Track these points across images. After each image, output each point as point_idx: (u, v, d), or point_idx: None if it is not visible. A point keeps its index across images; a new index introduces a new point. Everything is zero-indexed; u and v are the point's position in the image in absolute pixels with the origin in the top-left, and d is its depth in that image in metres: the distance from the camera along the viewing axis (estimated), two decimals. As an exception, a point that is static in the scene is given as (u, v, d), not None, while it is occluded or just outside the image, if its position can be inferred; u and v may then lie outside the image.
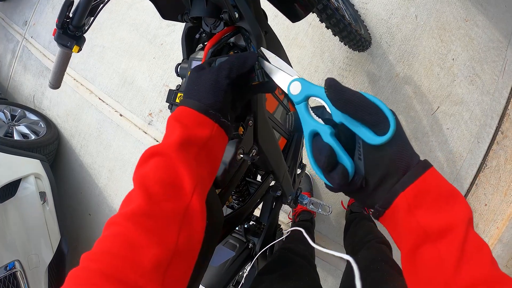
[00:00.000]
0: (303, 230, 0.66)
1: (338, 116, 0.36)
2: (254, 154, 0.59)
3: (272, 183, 0.77)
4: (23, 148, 1.79)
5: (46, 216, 1.63)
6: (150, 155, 0.39)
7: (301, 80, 0.41)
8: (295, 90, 0.41)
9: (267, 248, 0.86)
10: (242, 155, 0.55)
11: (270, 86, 0.48)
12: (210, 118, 0.41)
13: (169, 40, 1.93)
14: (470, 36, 1.37)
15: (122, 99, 2.02)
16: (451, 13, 1.39)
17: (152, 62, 1.95)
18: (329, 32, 1.11)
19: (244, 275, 0.91)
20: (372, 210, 0.38)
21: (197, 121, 0.41)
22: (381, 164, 0.35)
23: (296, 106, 0.41)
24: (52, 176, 1.78)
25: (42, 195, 1.67)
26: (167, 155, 0.38)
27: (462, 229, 0.32)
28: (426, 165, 0.35)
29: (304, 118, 0.39)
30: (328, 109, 0.37)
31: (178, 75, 0.59)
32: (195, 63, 0.55)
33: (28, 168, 1.66)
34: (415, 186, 0.33)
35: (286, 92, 0.42)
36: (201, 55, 0.55)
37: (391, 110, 0.35)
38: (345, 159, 0.36)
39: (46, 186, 1.71)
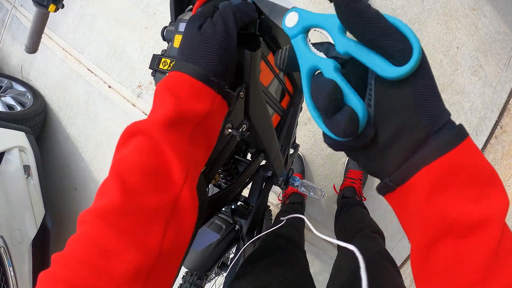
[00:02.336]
0: (305, 218, 0.62)
1: (344, 45, 0.27)
2: (244, 130, 0.54)
3: (263, 162, 0.73)
4: (7, 120, 1.71)
5: (30, 191, 1.57)
6: (131, 133, 0.31)
7: (298, 10, 0.32)
8: (291, 22, 0.32)
9: (255, 231, 0.82)
10: (230, 130, 0.50)
11: (256, 42, 0.41)
12: (212, 87, 0.33)
13: (162, 9, 1.84)
14: (477, 25, 1.33)
15: (111, 70, 1.94)
16: (459, 0, 1.34)
17: (144, 32, 1.87)
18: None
19: (230, 257, 0.89)
20: (381, 183, 0.29)
21: (195, 91, 0.32)
22: (397, 110, 0.26)
23: (291, 40, 0.32)
24: (37, 149, 1.71)
25: (26, 168, 1.62)
26: (151, 135, 0.30)
27: (498, 226, 0.24)
28: (462, 133, 0.25)
29: (302, 53, 0.31)
30: (331, 40, 0.29)
31: (164, 39, 0.54)
32: (182, 25, 0.49)
33: (12, 140, 1.59)
34: (444, 161, 0.24)
35: (282, 27, 0.33)
36: (189, 16, 0.49)
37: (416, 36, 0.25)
38: (353, 99, 0.26)
39: (30, 159, 1.65)
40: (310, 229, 0.56)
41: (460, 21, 1.34)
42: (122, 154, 0.30)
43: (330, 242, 1.48)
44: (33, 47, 0.68)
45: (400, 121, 0.26)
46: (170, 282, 0.30)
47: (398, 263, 1.38)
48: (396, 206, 0.30)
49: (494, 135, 1.33)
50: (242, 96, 0.50)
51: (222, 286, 0.89)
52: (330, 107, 0.26)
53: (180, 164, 0.30)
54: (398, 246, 1.39)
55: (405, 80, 0.25)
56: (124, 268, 0.25)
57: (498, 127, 1.33)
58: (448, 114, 0.26)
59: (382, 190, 0.30)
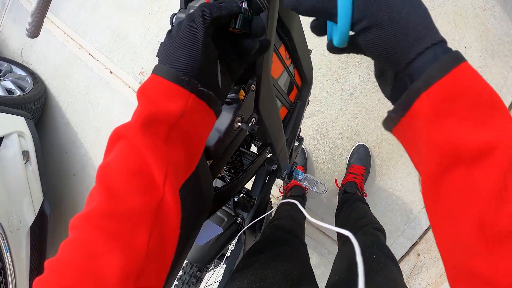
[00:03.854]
0: (297, 203, 0.62)
1: None
2: (253, 124, 0.53)
3: (269, 156, 0.72)
4: (6, 105, 1.68)
5: (28, 176, 1.56)
6: (114, 139, 0.32)
7: None
8: None
9: (255, 223, 0.82)
10: (240, 124, 0.49)
11: (250, 44, 0.38)
12: (184, 86, 0.32)
13: (168, -7, 1.80)
14: (486, 26, 1.31)
15: (113, 55, 1.91)
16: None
17: (148, 17, 1.83)
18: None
19: (230, 250, 0.88)
20: (385, 118, 0.30)
21: (166, 92, 0.32)
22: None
23: None
24: (36, 135, 1.69)
25: (25, 154, 1.60)
26: (130, 138, 0.30)
27: (507, 152, 0.24)
28: (459, 57, 0.26)
29: None
30: None
31: (172, 26, 0.52)
32: None
33: (11, 125, 1.57)
34: (444, 84, 0.25)
35: None
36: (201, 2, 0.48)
37: None
38: None
39: (29, 144, 1.63)
40: (309, 222, 0.56)
41: (469, 21, 1.32)
42: (106, 160, 0.31)
43: (329, 236, 1.48)
44: (34, 31, 0.65)
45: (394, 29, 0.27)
46: (161, 279, 0.31)
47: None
48: (403, 140, 0.31)
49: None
50: (253, 89, 0.49)
51: (221, 276, 0.89)
52: None
53: (157, 165, 0.30)
54: (396, 243, 1.40)
55: None
56: (112, 272, 0.25)
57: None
58: (441, 37, 0.27)
59: (387, 123, 0.31)
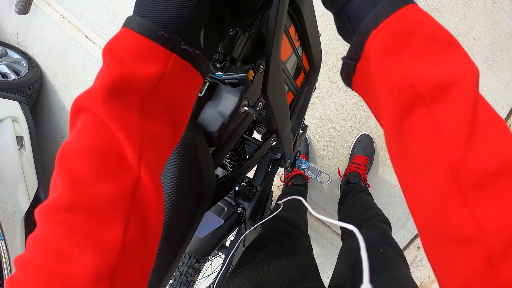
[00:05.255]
0: (302, 199, 0.59)
1: None
2: (260, 108, 0.50)
3: (273, 144, 0.69)
4: (1, 89, 1.64)
5: (23, 162, 1.53)
6: (76, 111, 0.26)
7: None
8: None
9: (258, 214, 0.80)
10: (246, 108, 0.46)
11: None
12: (163, 44, 0.26)
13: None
14: (496, 19, 1.29)
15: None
16: (480, -9, 1.30)
17: (147, -1, 1.78)
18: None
19: (230, 240, 0.86)
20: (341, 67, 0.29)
21: (141, 51, 0.26)
22: None
23: None
24: (31, 119, 1.66)
25: (20, 139, 1.57)
26: (92, 110, 0.25)
27: (470, 87, 0.22)
28: None
29: None
30: None
31: None
32: None
33: (5, 110, 1.53)
34: (393, 21, 0.24)
35: None
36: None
37: None
38: None
39: (24, 130, 1.60)
40: (310, 212, 0.53)
41: (479, 13, 1.29)
42: (68, 138, 0.25)
43: (329, 227, 1.47)
44: (24, 7, 0.61)
45: None
46: (145, 276, 0.27)
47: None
48: (364, 94, 0.29)
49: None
50: (261, 70, 0.45)
51: (220, 266, 0.87)
52: None
53: (128, 141, 0.25)
54: (396, 235, 1.39)
55: None
56: (82, 273, 0.21)
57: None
58: None
59: (344, 73, 0.29)
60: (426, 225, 0.24)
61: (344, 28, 0.29)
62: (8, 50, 2.01)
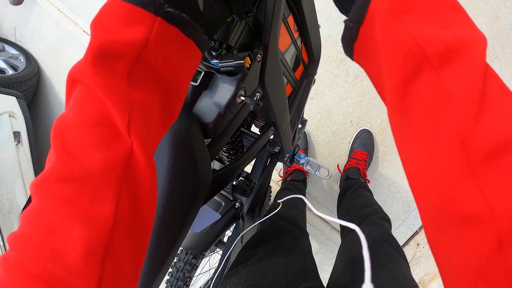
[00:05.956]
0: (304, 198, 0.58)
1: None
2: (258, 98, 0.49)
3: (271, 137, 0.67)
4: (-2, 84, 1.63)
5: (20, 158, 1.53)
6: (71, 82, 0.25)
7: None
8: None
9: (255, 209, 0.79)
10: (243, 98, 0.44)
11: None
12: (145, 8, 0.25)
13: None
14: (497, 15, 1.28)
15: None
16: (481, -15, 1.29)
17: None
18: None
19: (227, 236, 0.85)
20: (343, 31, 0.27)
21: (123, 16, 0.25)
22: None
23: None
24: (28, 115, 1.65)
25: (17, 135, 1.56)
26: (83, 80, 0.24)
27: (480, 53, 0.20)
28: None
29: None
30: None
31: None
32: None
33: (1, 105, 1.52)
34: None
35: None
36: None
37: None
38: None
39: (21, 125, 1.59)
40: (310, 210, 0.52)
41: (479, 8, 1.29)
42: (64, 111, 0.25)
43: (328, 223, 1.46)
44: None
45: None
46: (141, 256, 0.26)
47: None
48: (365, 62, 0.28)
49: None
50: (259, 59, 0.44)
51: (217, 262, 0.86)
52: None
53: (116, 109, 0.24)
54: (396, 232, 1.38)
55: None
56: (73, 248, 0.21)
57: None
58: None
59: (346, 39, 0.27)
60: (430, 205, 0.23)
61: None
62: (6, 45, 2.00)
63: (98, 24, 0.25)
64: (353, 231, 0.78)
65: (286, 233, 0.70)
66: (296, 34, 0.57)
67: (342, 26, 0.29)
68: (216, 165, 0.73)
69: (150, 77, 0.26)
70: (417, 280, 1.37)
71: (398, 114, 0.24)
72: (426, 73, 0.21)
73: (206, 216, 0.60)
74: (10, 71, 1.82)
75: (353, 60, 0.30)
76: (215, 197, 0.74)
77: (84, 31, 1.90)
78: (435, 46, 0.21)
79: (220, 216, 0.67)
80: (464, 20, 0.22)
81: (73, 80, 0.25)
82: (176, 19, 0.26)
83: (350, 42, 0.28)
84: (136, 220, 0.24)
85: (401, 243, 1.38)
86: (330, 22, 1.38)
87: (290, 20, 0.53)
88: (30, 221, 0.22)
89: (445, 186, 0.21)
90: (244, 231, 0.73)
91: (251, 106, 0.47)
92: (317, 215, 1.43)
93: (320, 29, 0.66)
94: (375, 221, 0.79)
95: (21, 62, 1.93)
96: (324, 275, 0.58)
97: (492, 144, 0.19)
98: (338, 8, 0.31)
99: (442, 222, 0.22)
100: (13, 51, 1.99)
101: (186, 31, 0.27)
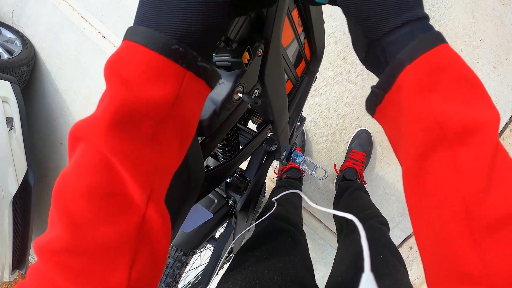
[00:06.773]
0: (300, 192, 0.56)
1: None
2: (256, 96, 0.46)
3: (269, 135, 0.65)
4: (-8, 68, 1.60)
5: (12, 144, 1.50)
6: (75, 138, 0.23)
7: None
8: None
9: (249, 207, 0.77)
10: (240, 95, 0.42)
11: None
12: (177, 61, 0.22)
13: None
14: (503, 21, 1.27)
15: (106, 19, 1.81)
16: (489, -9, 1.28)
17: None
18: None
19: (219, 233, 0.83)
20: (368, 95, 0.29)
21: (150, 70, 0.22)
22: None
23: None
24: (21, 100, 1.62)
25: (9, 121, 1.53)
26: (93, 142, 0.21)
27: (493, 135, 0.23)
28: (441, 36, 0.25)
29: None
30: None
31: None
32: None
33: (-6, 90, 1.49)
34: (428, 59, 0.24)
35: None
36: None
37: None
38: None
39: (14, 111, 1.56)
40: (311, 207, 0.51)
41: (487, 13, 1.27)
42: (66, 169, 0.23)
43: (321, 222, 1.45)
44: None
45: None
46: None
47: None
48: (386, 123, 0.30)
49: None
50: (259, 54, 0.42)
51: (208, 259, 0.84)
52: None
53: (136, 182, 0.22)
54: (391, 234, 1.32)
55: None
56: None
57: (508, 129, 1.30)
58: (425, 13, 0.26)
59: (371, 102, 0.29)
60: (433, 260, 0.25)
61: (375, 59, 0.28)
62: (2, 29, 1.96)
63: (116, 74, 0.22)
64: (352, 233, 0.76)
65: (283, 234, 0.69)
66: (299, 29, 0.55)
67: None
68: (210, 161, 0.71)
69: (173, 133, 0.24)
70: (408, 283, 1.37)
71: (413, 179, 0.26)
72: (442, 149, 0.23)
73: (198, 215, 0.58)
74: (5, 55, 1.78)
75: (373, 117, 0.31)
76: (209, 194, 0.72)
77: (82, 17, 1.86)
78: (454, 126, 0.23)
79: (212, 215, 0.65)
80: (482, 97, 0.24)
81: (78, 136, 0.23)
82: (206, 72, 0.25)
83: (374, 105, 0.29)
84: (149, 279, 0.24)
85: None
86: (334, 19, 1.35)
87: (295, 14, 0.51)
88: (41, 284, 0.21)
89: (448, 246, 0.23)
90: (239, 235, 0.71)
91: (250, 104, 0.45)
92: (311, 212, 1.42)
93: (324, 25, 0.64)
94: (375, 226, 0.77)
95: (17, 47, 1.89)
96: (316, 274, 0.57)
97: (494, 216, 0.21)
98: (365, 66, 0.32)
99: (442, 276, 0.24)
100: (9, 34, 1.96)
101: (211, 82, 0.26)
